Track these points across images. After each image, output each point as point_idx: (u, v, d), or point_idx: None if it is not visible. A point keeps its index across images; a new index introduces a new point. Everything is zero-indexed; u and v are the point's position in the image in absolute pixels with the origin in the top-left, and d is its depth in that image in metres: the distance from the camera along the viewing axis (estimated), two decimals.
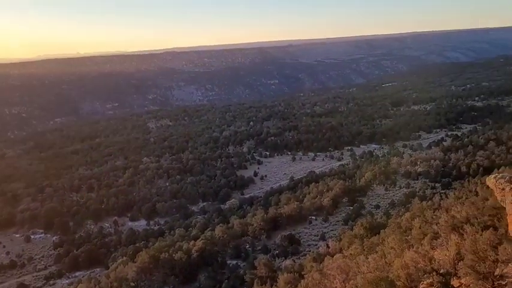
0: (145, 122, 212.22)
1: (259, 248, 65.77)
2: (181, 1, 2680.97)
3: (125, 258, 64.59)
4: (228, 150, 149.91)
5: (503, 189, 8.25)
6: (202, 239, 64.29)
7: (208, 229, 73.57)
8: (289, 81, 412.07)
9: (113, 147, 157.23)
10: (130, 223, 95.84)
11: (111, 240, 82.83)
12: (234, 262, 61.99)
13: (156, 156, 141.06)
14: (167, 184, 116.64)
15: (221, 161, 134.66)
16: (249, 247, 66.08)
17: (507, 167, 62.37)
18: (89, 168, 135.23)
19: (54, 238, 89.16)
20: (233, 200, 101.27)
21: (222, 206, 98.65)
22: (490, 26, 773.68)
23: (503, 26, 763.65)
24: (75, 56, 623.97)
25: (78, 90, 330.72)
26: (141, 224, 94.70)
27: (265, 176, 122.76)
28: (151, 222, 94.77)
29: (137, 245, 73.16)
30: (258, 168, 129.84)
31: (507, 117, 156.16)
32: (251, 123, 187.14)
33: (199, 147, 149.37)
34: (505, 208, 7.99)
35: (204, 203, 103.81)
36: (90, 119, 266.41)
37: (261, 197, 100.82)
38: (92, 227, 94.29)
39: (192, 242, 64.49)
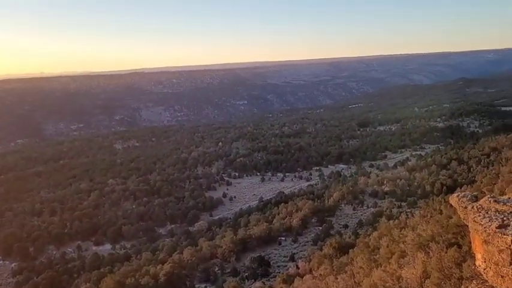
0: (112, 143, 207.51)
1: (229, 270, 64.68)
2: (149, 21, 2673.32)
3: (88, 284, 62.02)
4: (197, 171, 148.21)
5: (465, 207, 8.32)
6: (170, 263, 62.65)
7: (176, 252, 71.79)
8: (258, 102, 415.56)
9: (77, 169, 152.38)
10: (94, 247, 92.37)
11: (74, 266, 79.33)
12: (203, 286, 60.65)
13: (123, 178, 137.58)
14: (134, 206, 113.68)
15: (189, 182, 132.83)
16: (218, 270, 64.87)
17: (469, 186, 64.41)
18: (51, 191, 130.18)
19: (13, 265, 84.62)
20: (202, 221, 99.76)
21: (190, 228, 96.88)
22: (449, 50, 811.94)
23: (462, 50, 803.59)
24: (39, 75, 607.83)
25: (42, 111, 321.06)
26: (106, 249, 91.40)
27: (234, 197, 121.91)
28: (117, 246, 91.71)
29: (102, 270, 70.28)
30: (227, 189, 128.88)
31: (467, 137, 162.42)
32: (220, 143, 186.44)
33: (167, 169, 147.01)
34: (467, 226, 8.06)
35: (172, 226, 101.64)
36: (53, 140, 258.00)
37: (230, 218, 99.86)
38: (54, 252, 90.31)
39: (159, 266, 62.78)
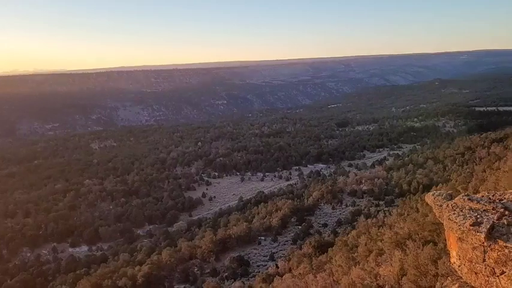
0: (88, 142, 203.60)
1: (208, 271, 64.40)
2: (128, 20, 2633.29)
3: (64, 287, 60.77)
4: (176, 171, 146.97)
5: (440, 205, 8.38)
6: (148, 264, 61.98)
7: (154, 253, 71.11)
8: (237, 101, 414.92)
9: (52, 170, 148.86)
10: (70, 249, 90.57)
11: (49, 269, 77.72)
12: (182, 286, 60.12)
13: (100, 178, 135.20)
14: (111, 207, 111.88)
15: (168, 182, 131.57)
16: (198, 270, 64.51)
17: (444, 184, 65.79)
18: (25, 192, 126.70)
19: None
20: (181, 222, 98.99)
21: (169, 228, 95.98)
22: (426, 52, 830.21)
23: (437, 52, 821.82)
24: (12, 74, 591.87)
25: (15, 110, 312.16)
26: (82, 250, 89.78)
27: (214, 197, 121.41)
28: (94, 248, 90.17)
29: (78, 272, 69.05)
30: (207, 189, 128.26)
31: (443, 137, 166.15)
32: (199, 143, 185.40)
33: (146, 169, 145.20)
34: (443, 224, 8.13)
35: (151, 226, 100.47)
36: (28, 140, 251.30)
37: (209, 218, 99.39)
38: (28, 254, 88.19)
39: (137, 267, 62.03)
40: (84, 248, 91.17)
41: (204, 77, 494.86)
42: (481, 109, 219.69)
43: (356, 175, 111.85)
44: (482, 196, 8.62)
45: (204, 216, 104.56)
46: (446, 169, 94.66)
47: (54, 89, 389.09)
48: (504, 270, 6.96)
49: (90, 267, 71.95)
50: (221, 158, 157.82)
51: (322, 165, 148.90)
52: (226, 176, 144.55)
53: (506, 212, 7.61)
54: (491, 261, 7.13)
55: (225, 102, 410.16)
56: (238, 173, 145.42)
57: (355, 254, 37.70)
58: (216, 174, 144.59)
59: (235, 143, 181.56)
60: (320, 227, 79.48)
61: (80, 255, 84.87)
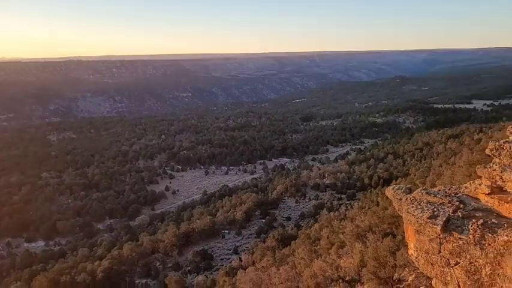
0: (46, 134, 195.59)
1: (171, 265, 63.71)
2: (89, 6, 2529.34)
3: (19, 283, 58.46)
4: (138, 164, 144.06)
5: (400, 199, 8.52)
6: (108, 259, 60.56)
7: (115, 248, 69.54)
8: (202, 94, 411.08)
9: (7, 162, 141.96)
10: (26, 244, 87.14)
11: (4, 264, 74.52)
12: (144, 281, 59.23)
13: (58, 171, 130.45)
14: (70, 201, 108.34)
15: (130, 175, 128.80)
16: (160, 265, 63.70)
17: (403, 178, 67.97)
18: None
19: None
20: (143, 216, 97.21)
21: (131, 222, 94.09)
22: (387, 49, 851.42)
23: (398, 49, 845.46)
24: None
25: None
26: (38, 245, 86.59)
27: (178, 190, 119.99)
28: (51, 243, 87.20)
29: (34, 268, 66.45)
30: (170, 182, 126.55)
31: (403, 132, 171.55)
32: (163, 136, 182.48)
33: (107, 162, 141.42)
34: (402, 217, 8.29)
35: (111, 220, 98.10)
36: None
37: (172, 212, 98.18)
38: None
39: (97, 262, 60.49)
40: (41, 243, 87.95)
41: (168, 69, 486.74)
42: (439, 106, 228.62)
43: (319, 169, 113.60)
44: (439, 190, 8.84)
45: (167, 210, 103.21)
46: (406, 164, 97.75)
47: (10, 77, 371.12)
48: (458, 261, 7.14)
49: (48, 262, 69.42)
50: (185, 151, 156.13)
51: (286, 159, 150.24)
52: (190, 169, 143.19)
53: (461, 205, 7.82)
54: (447, 252, 7.30)
55: (190, 94, 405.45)
56: (202, 167, 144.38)
57: (318, 247, 38.31)
58: (180, 167, 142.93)
59: (199, 136, 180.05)
60: (284, 220, 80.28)
61: (36, 250, 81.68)
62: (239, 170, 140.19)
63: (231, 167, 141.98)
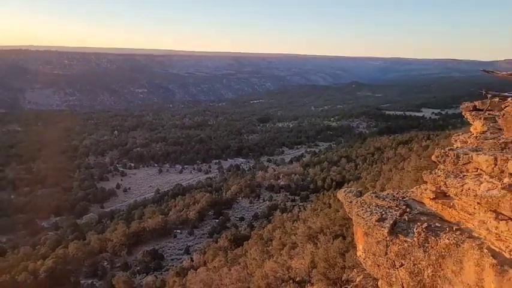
0: None
1: (119, 265, 61.92)
2: None
3: None
4: (88, 160, 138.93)
5: (350, 202, 8.66)
6: (52, 258, 57.90)
7: (60, 246, 66.48)
8: (158, 91, 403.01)
9: None
10: None
11: None
12: (89, 281, 57.19)
13: (0, 165, 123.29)
14: (12, 197, 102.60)
15: (79, 171, 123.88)
16: (107, 264, 61.74)
17: (355, 182, 69.93)
18: None
19: None
20: (91, 214, 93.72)
21: (78, 220, 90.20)
22: (344, 55, 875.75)
23: (354, 56, 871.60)
24: None
25: None
26: None
27: (129, 188, 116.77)
28: None
29: None
30: (122, 180, 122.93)
31: (356, 137, 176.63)
32: (116, 132, 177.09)
33: (55, 157, 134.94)
34: (352, 219, 8.45)
35: (57, 218, 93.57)
36: None
37: (123, 210, 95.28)
38: None
39: (40, 261, 57.55)
40: None
41: (123, 63, 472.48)
42: (391, 113, 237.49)
43: (274, 170, 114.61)
44: (388, 194, 9.08)
45: (118, 208, 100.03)
46: (358, 167, 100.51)
47: None
48: (403, 262, 7.35)
49: None
50: (139, 148, 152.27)
51: (242, 160, 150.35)
52: (144, 167, 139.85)
53: (408, 209, 8.07)
54: (392, 254, 7.50)
55: (146, 90, 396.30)
56: (156, 165, 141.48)
57: (270, 248, 38.55)
58: (133, 165, 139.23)
59: (154, 134, 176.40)
60: (237, 220, 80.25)
61: None
62: (194, 169, 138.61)
63: (185, 166, 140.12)
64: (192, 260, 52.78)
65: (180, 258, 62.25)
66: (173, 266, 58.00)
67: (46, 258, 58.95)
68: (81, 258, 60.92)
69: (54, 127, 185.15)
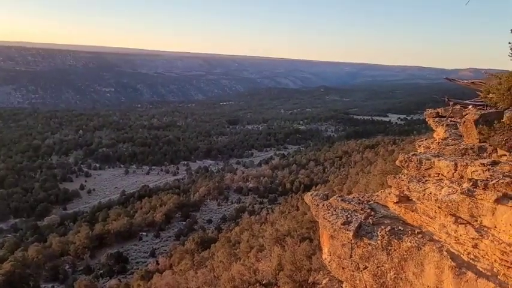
0: None
1: (81, 268, 60.29)
2: None
3: None
4: (51, 160, 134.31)
5: (317, 205, 8.74)
6: (11, 261, 55.50)
7: (19, 249, 63.91)
8: (126, 90, 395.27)
9: None
10: None
11: None
12: (50, 286, 55.30)
13: None
14: None
15: (41, 172, 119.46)
16: (69, 268, 59.96)
17: (323, 185, 70.87)
18: None
19: None
20: (53, 216, 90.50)
21: (38, 222, 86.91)
22: (313, 59, 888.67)
23: (324, 60, 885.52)
24: None
25: None
26: None
27: (94, 189, 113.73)
28: None
29: None
30: (86, 181, 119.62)
31: (324, 140, 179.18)
32: (80, 131, 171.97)
33: (15, 156, 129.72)
34: (318, 222, 8.54)
35: (17, 220, 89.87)
36: None
37: (86, 212, 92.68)
38: None
39: None
40: None
41: (90, 61, 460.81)
42: (358, 117, 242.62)
43: (243, 173, 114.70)
44: (354, 197, 9.21)
45: (81, 210, 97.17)
46: (326, 171, 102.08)
47: None
48: (367, 265, 7.46)
49: None
50: (104, 149, 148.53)
51: (210, 162, 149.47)
52: (109, 168, 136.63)
53: (372, 213, 8.19)
54: (357, 257, 7.60)
55: (113, 90, 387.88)
56: (122, 165, 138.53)
57: (237, 250, 38.46)
58: (98, 165, 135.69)
59: (120, 134, 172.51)
60: (205, 223, 79.73)
61: None
62: (161, 170, 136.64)
63: (152, 167, 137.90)
64: (157, 263, 52.02)
65: (146, 262, 61.19)
66: (138, 269, 56.94)
67: (4, 261, 56.56)
68: (41, 261, 58.80)
69: (14, 125, 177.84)
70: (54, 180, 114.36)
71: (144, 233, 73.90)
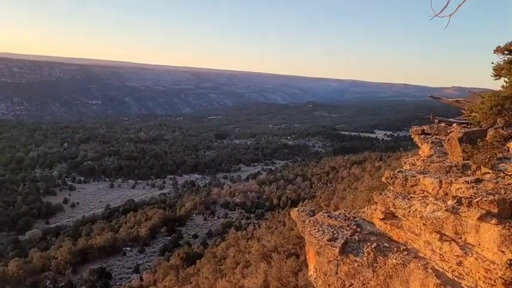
0: None
1: (63, 284, 58.99)
2: None
3: None
4: (34, 173, 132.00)
5: (303, 221, 8.72)
6: None
7: None
8: (113, 103, 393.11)
9: None
10: None
11: None
12: None
13: None
14: None
15: (24, 185, 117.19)
16: (50, 284, 58.60)
17: (310, 200, 70.85)
18: None
19: None
20: (35, 230, 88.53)
21: (20, 237, 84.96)
22: (301, 75, 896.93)
23: (312, 76, 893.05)
24: None
25: None
26: None
27: (78, 203, 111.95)
28: None
29: None
30: (70, 194, 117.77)
31: (312, 155, 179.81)
32: (65, 144, 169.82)
33: None
34: (305, 238, 8.51)
35: None
36: None
37: (70, 226, 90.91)
38: None
39: None
40: None
41: (77, 73, 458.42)
42: (346, 133, 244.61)
43: (230, 187, 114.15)
44: (340, 213, 9.20)
45: (64, 224, 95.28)
46: (313, 186, 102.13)
47: None
48: (353, 282, 7.41)
49: None
50: (89, 162, 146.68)
51: (197, 176, 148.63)
52: (94, 181, 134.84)
53: (358, 229, 8.18)
54: (343, 274, 7.55)
55: (100, 102, 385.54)
56: (107, 179, 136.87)
57: (223, 266, 38.04)
58: (82, 179, 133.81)
59: (106, 147, 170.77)
60: (190, 238, 78.80)
61: None
62: (147, 184, 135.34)
63: (138, 181, 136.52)
64: (141, 279, 51.10)
65: (129, 277, 60.07)
66: (121, 285, 55.92)
67: None
68: (21, 277, 57.23)
69: None
70: (37, 194, 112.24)
71: (128, 248, 72.67)
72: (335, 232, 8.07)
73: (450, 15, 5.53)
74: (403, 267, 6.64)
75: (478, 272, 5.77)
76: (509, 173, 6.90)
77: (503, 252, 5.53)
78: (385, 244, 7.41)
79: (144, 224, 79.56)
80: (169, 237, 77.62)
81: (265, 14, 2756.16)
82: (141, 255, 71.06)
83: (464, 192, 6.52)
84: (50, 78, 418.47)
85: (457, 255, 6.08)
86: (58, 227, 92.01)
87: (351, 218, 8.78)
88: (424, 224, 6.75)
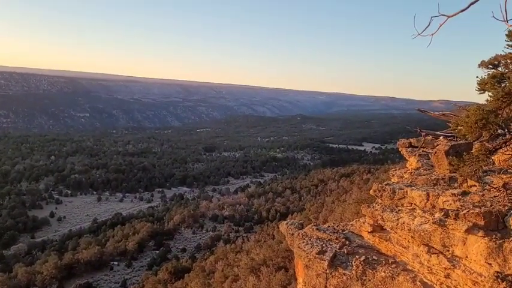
0: None
1: None
2: None
3: None
4: (20, 186, 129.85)
5: (292, 234, 8.69)
6: None
7: None
8: (102, 116, 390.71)
9: None
10: None
11: None
12: None
13: None
14: None
15: (9, 198, 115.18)
16: None
17: (299, 213, 70.72)
18: None
19: None
20: (20, 244, 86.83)
21: (4, 251, 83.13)
22: (289, 88, 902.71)
23: (301, 89, 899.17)
24: None
25: None
26: None
27: (64, 217, 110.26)
28: None
29: None
30: (56, 208, 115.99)
31: (301, 168, 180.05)
32: (52, 157, 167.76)
33: None
34: (293, 251, 8.47)
35: None
36: None
37: (56, 240, 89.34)
38: None
39: None
40: None
41: (65, 86, 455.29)
42: (334, 146, 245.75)
43: (219, 200, 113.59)
44: (329, 226, 9.20)
45: (50, 238, 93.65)
46: (302, 199, 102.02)
47: None
48: None
49: None
50: (77, 175, 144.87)
51: (186, 189, 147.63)
52: (81, 194, 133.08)
53: (347, 242, 8.18)
54: (332, 287, 7.53)
55: (88, 115, 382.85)
56: (95, 192, 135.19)
57: (212, 280, 37.60)
58: (69, 192, 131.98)
59: (94, 160, 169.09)
60: (179, 251, 77.96)
61: None
62: (135, 197, 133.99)
63: (126, 194, 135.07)
64: None
65: None
66: None
67: None
68: None
69: None
70: (22, 208, 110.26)
71: (115, 263, 71.56)
72: (324, 245, 8.06)
73: (432, 34, 5.66)
74: (392, 280, 6.64)
75: (466, 285, 5.80)
76: (495, 186, 6.99)
77: (490, 264, 5.58)
78: (374, 257, 7.42)
79: (131, 238, 78.56)
80: (157, 251, 76.70)
81: (254, 28, 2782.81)
82: (128, 269, 70.03)
83: (451, 204, 6.58)
84: (37, 91, 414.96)
85: (445, 268, 6.11)
86: (44, 241, 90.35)
87: (340, 231, 8.78)
88: (412, 237, 6.78)
